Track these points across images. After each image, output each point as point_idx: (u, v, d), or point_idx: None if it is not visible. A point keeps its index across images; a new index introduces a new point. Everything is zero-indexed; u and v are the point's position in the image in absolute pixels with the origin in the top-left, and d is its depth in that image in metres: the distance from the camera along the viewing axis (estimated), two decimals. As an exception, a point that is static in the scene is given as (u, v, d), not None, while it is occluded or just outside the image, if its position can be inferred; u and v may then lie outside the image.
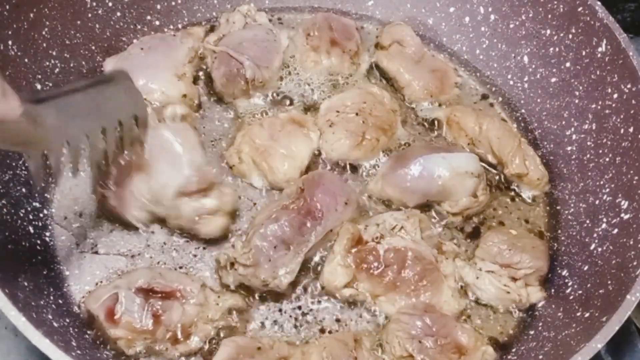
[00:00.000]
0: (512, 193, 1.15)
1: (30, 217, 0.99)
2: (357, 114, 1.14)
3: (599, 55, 1.09)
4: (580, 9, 1.12)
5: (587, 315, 0.91)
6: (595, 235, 1.02)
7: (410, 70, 1.24)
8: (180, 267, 1.01)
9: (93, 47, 1.18)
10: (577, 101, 1.14)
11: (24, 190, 1.00)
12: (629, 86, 1.03)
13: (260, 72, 1.18)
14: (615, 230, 0.98)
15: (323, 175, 1.06)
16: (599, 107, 1.09)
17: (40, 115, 0.72)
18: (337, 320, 0.98)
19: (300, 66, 1.24)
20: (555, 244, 1.09)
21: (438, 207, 1.09)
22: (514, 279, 1.01)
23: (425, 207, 1.10)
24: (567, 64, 1.16)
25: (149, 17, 1.26)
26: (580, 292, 0.98)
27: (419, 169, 1.06)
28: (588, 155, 1.10)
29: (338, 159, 1.13)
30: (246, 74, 1.16)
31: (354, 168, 1.14)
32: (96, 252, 1.01)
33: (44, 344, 0.73)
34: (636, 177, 0.98)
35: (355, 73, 1.26)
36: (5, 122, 0.66)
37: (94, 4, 1.17)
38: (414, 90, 1.23)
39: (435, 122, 1.21)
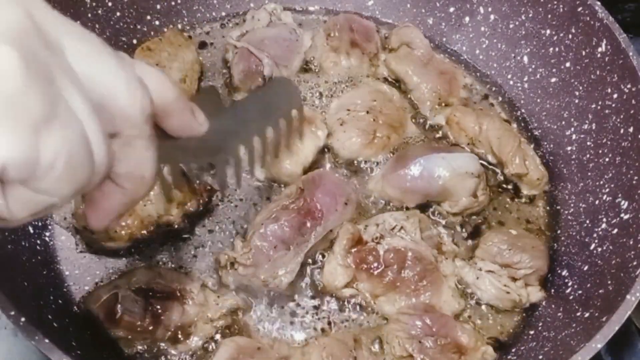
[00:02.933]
0: (512, 193, 1.15)
1: (30, 217, 0.99)
2: (367, 112, 1.14)
3: (599, 55, 1.09)
4: (580, 9, 1.12)
5: (587, 315, 0.91)
6: (595, 235, 1.02)
7: (419, 72, 1.23)
8: (180, 267, 1.01)
9: (93, 47, 1.18)
10: (577, 101, 1.14)
11: (23, 190, 0.99)
12: (629, 86, 1.02)
13: (278, 70, 1.18)
14: (615, 230, 0.98)
15: (323, 175, 1.06)
16: (599, 107, 1.09)
17: (219, 124, 0.69)
18: (337, 320, 0.98)
19: (319, 66, 1.24)
20: (555, 244, 1.09)
21: (438, 207, 1.09)
22: (514, 279, 1.01)
23: (425, 207, 1.10)
24: (567, 64, 1.16)
25: (148, 17, 1.26)
26: (580, 292, 0.98)
27: (419, 169, 1.06)
28: (588, 155, 1.10)
29: (349, 158, 1.13)
30: (264, 71, 1.17)
31: (360, 167, 1.14)
32: (96, 252, 1.01)
33: (44, 344, 0.73)
34: (636, 177, 0.98)
35: (373, 75, 1.26)
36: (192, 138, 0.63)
37: (94, 4, 1.17)
38: (422, 92, 1.22)
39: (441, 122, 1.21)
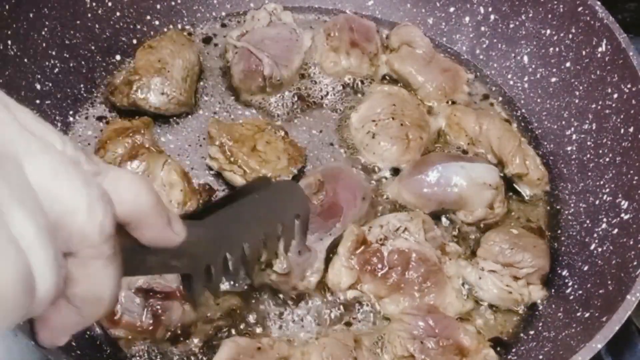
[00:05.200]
0: (512, 192, 1.14)
1: (30, 217, 0.99)
2: (393, 118, 1.13)
3: (599, 55, 1.09)
4: (580, 9, 1.12)
5: (587, 315, 0.91)
6: (595, 235, 1.02)
7: (422, 71, 1.23)
8: (180, 267, 1.01)
9: (92, 47, 1.18)
10: (577, 101, 1.14)
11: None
12: (629, 86, 1.02)
13: (279, 70, 1.18)
14: (615, 230, 0.98)
15: (342, 169, 1.05)
16: (599, 107, 1.09)
17: (201, 233, 0.63)
18: (339, 321, 0.98)
19: (320, 67, 1.24)
20: (556, 244, 1.09)
21: (453, 216, 1.09)
22: (516, 278, 1.01)
23: (439, 214, 1.09)
24: (567, 64, 1.16)
25: (148, 17, 1.26)
26: (580, 292, 0.98)
27: (436, 176, 1.06)
28: (588, 155, 1.10)
29: (391, 168, 1.12)
30: (264, 71, 1.16)
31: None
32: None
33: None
34: (636, 177, 0.98)
35: (373, 75, 1.26)
36: (166, 250, 0.57)
37: (94, 4, 1.17)
38: (428, 91, 1.22)
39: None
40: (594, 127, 1.10)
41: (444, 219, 1.09)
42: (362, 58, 1.24)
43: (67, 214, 0.43)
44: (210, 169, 1.10)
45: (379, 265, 0.98)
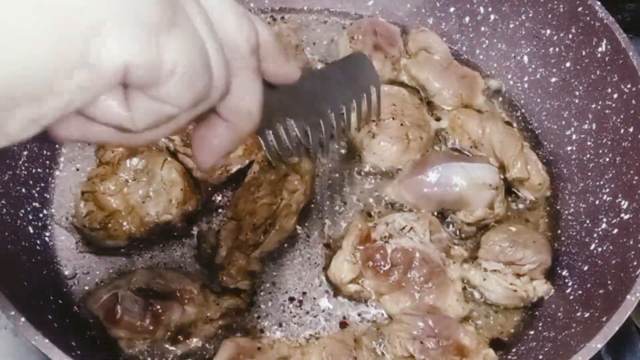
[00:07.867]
0: (513, 193, 1.14)
1: (30, 217, 0.99)
2: (393, 118, 1.13)
3: (599, 55, 1.09)
4: (580, 9, 1.11)
5: (587, 315, 0.91)
6: (595, 235, 1.02)
7: (439, 78, 1.22)
8: (180, 267, 1.01)
9: (93, 47, 1.18)
10: (577, 101, 1.14)
11: (23, 190, 0.99)
12: (629, 86, 1.03)
13: None
14: (615, 230, 0.98)
15: None
16: (599, 107, 1.09)
17: (312, 84, 0.72)
18: (339, 320, 0.98)
19: None
20: (556, 244, 1.09)
21: (453, 216, 1.08)
22: (519, 275, 1.01)
23: (440, 214, 1.09)
24: (567, 64, 1.16)
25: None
26: (580, 292, 0.98)
27: (436, 176, 1.06)
28: (588, 155, 1.10)
29: (391, 168, 1.12)
30: None
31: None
32: (96, 252, 1.01)
33: (44, 344, 0.73)
34: (636, 177, 0.98)
35: (395, 79, 1.24)
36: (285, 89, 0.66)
37: (94, 3, 1.16)
38: (444, 98, 1.21)
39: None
40: (594, 127, 1.10)
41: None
42: (385, 62, 1.23)
43: (219, 22, 0.49)
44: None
45: (382, 262, 0.98)
